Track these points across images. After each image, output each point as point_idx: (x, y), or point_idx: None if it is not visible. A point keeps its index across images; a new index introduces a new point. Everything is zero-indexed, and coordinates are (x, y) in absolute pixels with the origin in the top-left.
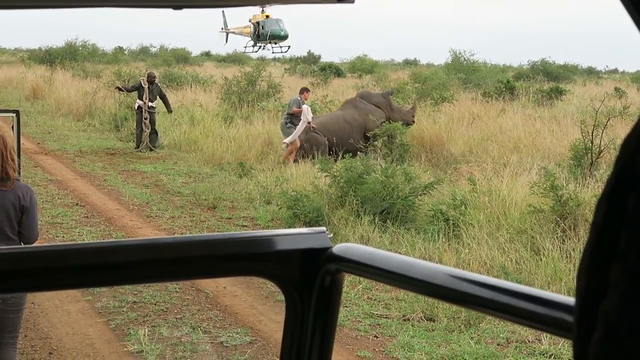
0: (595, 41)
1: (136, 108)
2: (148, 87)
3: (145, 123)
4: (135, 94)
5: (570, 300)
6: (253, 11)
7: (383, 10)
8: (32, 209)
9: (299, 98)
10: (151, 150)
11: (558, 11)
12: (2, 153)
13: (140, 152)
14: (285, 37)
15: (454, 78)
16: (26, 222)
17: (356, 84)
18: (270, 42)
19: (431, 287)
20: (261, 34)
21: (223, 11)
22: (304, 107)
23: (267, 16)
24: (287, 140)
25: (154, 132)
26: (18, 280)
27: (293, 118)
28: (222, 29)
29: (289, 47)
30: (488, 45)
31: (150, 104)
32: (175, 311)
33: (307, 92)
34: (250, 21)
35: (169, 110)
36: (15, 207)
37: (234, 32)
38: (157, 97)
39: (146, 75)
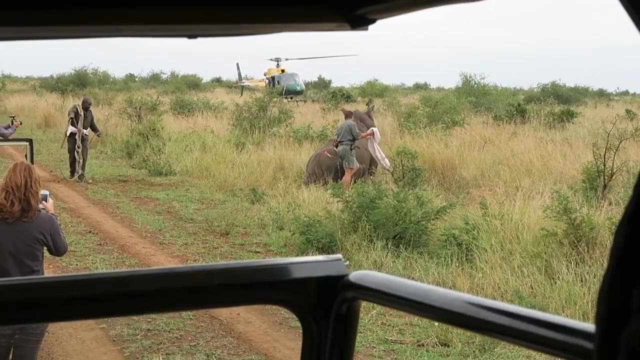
0: (605, 63)
1: (68, 134)
2: (83, 114)
3: (77, 152)
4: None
5: (588, 326)
6: (268, 65)
7: (393, 35)
8: (56, 240)
9: (353, 122)
10: (78, 181)
11: (568, 34)
12: (26, 181)
13: (77, 181)
14: (301, 92)
15: (465, 102)
16: (54, 250)
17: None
18: (286, 97)
19: (448, 314)
20: (276, 89)
21: (237, 64)
22: (375, 129)
23: (283, 70)
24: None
25: (83, 162)
26: (35, 310)
27: (354, 143)
28: (237, 82)
29: (304, 101)
30: (498, 69)
31: (84, 131)
32: (190, 338)
33: (351, 116)
34: (265, 75)
35: (98, 134)
36: (38, 240)
37: (249, 86)
38: (90, 124)
39: (81, 101)
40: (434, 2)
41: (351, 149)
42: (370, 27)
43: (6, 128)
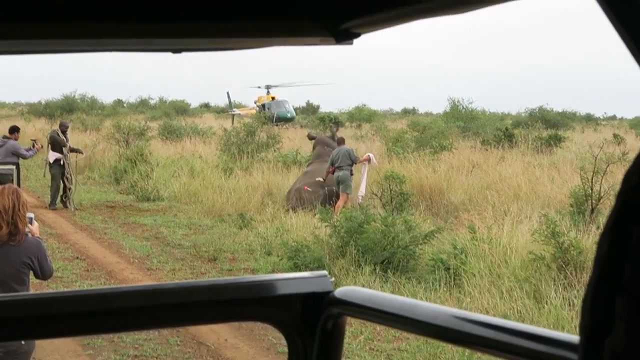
0: (593, 88)
1: (52, 162)
2: (63, 138)
3: (67, 178)
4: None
5: (573, 338)
6: (258, 92)
7: (381, 59)
8: (42, 264)
9: (350, 148)
10: (65, 207)
11: (555, 59)
12: (14, 205)
13: (55, 209)
14: (291, 119)
15: (453, 126)
16: (40, 274)
17: (355, 133)
18: (277, 124)
19: (434, 328)
20: (265, 114)
21: (228, 93)
22: (371, 155)
23: (273, 98)
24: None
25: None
26: (20, 327)
27: (352, 168)
28: (228, 111)
29: (295, 126)
30: (486, 94)
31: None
32: None
33: (344, 142)
34: (255, 103)
35: (80, 152)
36: (26, 264)
37: (239, 114)
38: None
39: (58, 125)
40: (415, 16)
41: (351, 174)
42: (355, 41)
43: (27, 150)
